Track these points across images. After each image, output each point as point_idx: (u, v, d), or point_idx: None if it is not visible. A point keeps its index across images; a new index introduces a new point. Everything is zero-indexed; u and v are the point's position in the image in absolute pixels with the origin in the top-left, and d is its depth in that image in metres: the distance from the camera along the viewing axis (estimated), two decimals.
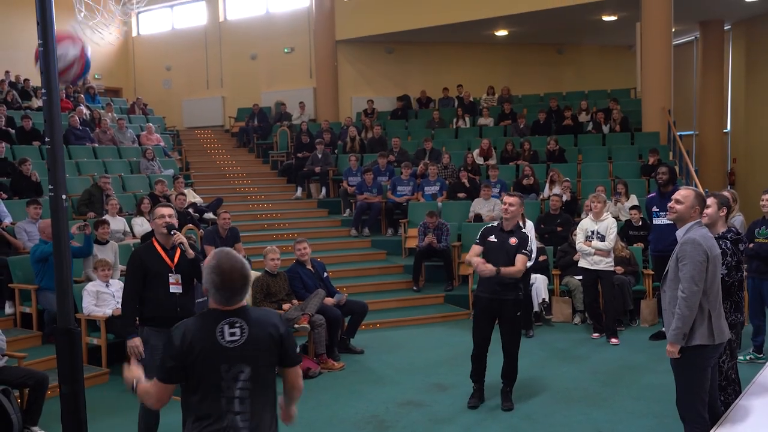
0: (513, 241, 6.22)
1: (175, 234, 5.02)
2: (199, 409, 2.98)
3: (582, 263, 8.62)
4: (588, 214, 8.88)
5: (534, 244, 6.38)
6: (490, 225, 6.49)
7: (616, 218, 9.97)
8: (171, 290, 4.97)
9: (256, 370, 3.03)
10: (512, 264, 6.11)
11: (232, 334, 2.97)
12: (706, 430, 4.42)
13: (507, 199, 6.34)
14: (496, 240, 6.27)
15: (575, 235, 9.41)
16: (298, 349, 3.43)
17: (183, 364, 2.93)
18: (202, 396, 2.97)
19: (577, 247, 8.68)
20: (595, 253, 8.49)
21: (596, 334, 8.70)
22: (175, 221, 5.09)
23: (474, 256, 6.23)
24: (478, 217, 11.42)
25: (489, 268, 6.01)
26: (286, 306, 7.68)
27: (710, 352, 4.47)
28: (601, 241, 8.48)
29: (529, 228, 8.30)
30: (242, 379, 2.99)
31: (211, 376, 2.94)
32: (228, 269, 2.98)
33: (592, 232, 8.57)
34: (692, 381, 4.48)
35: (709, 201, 5.16)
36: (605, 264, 8.50)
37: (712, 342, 4.44)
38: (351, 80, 19.10)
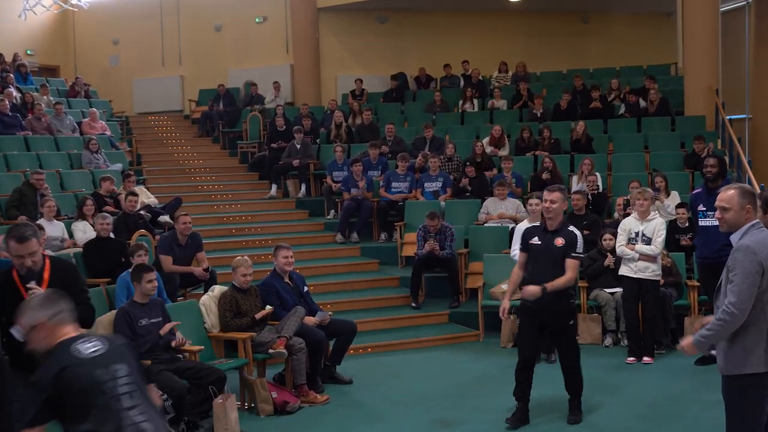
0: (559, 242, 6.49)
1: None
2: (95, 427, 3.30)
3: (623, 270, 8.62)
4: (631, 213, 8.92)
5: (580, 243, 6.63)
6: (531, 226, 6.85)
7: None
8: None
9: (131, 368, 3.47)
10: (560, 269, 6.41)
11: (89, 348, 3.41)
12: None
13: (548, 195, 6.59)
14: (540, 242, 6.55)
15: (605, 239, 9.42)
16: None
17: (53, 402, 3.32)
18: (92, 412, 3.31)
19: (618, 250, 8.66)
20: (639, 259, 8.51)
21: (632, 358, 8.69)
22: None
23: (516, 270, 6.74)
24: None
25: (531, 291, 6.28)
26: (260, 315, 7.65)
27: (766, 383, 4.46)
28: (647, 245, 8.49)
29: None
30: (122, 376, 3.41)
31: (91, 387, 3.32)
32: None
33: (636, 234, 8.57)
34: (746, 414, 4.46)
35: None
36: (651, 272, 8.53)
37: (766, 369, 4.42)
38: (336, 56, 19.08)
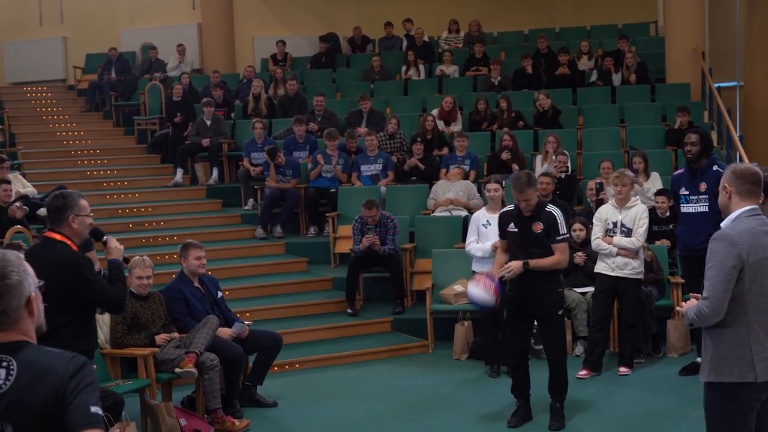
0: (537, 227, 6.90)
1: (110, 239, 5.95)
2: None
3: (599, 267, 8.75)
4: (606, 200, 9.09)
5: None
6: (505, 211, 7.27)
7: None
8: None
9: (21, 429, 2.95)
10: (541, 257, 6.92)
11: None
12: None
13: (520, 196, 6.98)
14: (517, 229, 7.00)
15: (575, 230, 9.56)
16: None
17: None
18: None
19: (593, 244, 8.80)
20: (618, 254, 8.66)
21: (584, 372, 8.73)
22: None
23: (500, 254, 7.35)
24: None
25: (513, 266, 6.84)
26: (161, 339, 7.62)
27: (750, 393, 4.55)
28: (627, 236, 8.64)
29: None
30: None
31: None
32: None
33: (614, 224, 8.72)
34: (725, 429, 4.61)
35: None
36: (631, 270, 8.67)
37: (753, 379, 4.55)
38: (253, 13, 19.00)
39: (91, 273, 5.86)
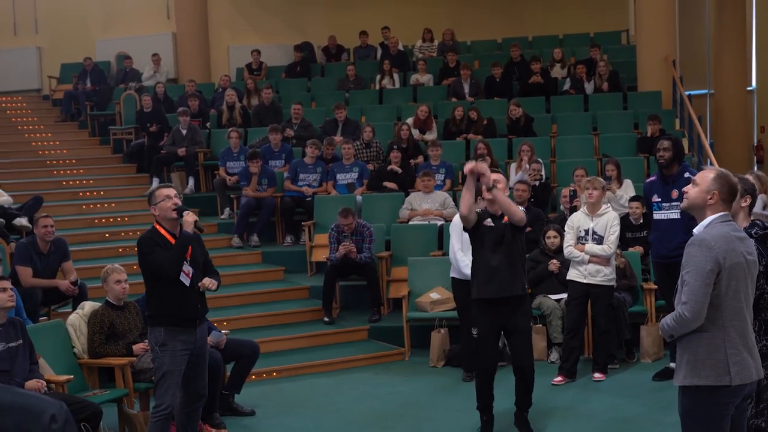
0: (506, 219, 7.09)
1: (187, 214, 6.31)
2: None
3: (571, 274, 8.77)
4: (579, 207, 9.16)
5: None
6: (481, 210, 7.27)
7: None
8: (186, 283, 6.40)
9: None
10: (511, 253, 7.11)
11: None
12: None
13: (495, 179, 7.05)
14: (493, 224, 7.16)
15: (549, 237, 9.61)
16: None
17: None
18: None
19: (565, 251, 8.84)
20: (590, 261, 8.70)
21: (560, 378, 8.81)
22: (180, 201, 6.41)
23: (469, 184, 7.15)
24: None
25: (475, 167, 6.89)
26: (139, 348, 7.60)
27: (726, 396, 4.59)
28: (599, 243, 8.69)
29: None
30: None
31: None
32: None
33: (586, 232, 8.77)
34: None
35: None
36: (603, 277, 8.70)
37: (728, 383, 4.60)
38: (227, 22, 19.01)
39: (147, 247, 6.38)
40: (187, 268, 6.44)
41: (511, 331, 7.27)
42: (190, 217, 6.36)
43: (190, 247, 6.46)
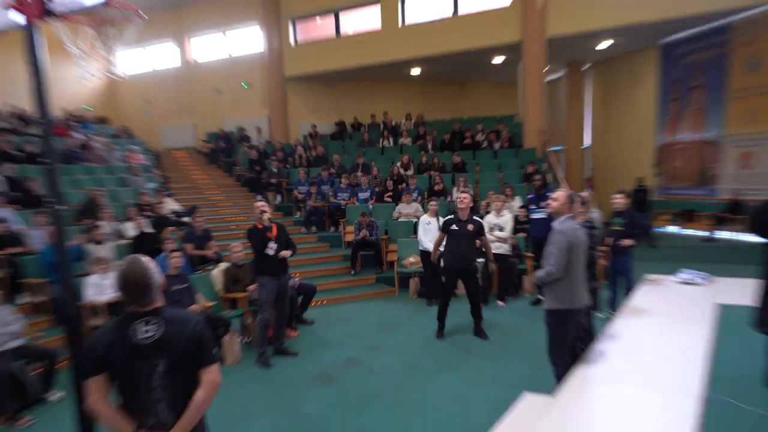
0: (470, 227, 6.83)
1: (264, 213, 6.50)
2: (126, 403, 2.77)
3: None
4: (491, 211, 9.19)
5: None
6: (450, 217, 7.00)
7: None
8: (270, 253, 6.41)
9: (172, 363, 2.75)
10: (473, 245, 6.84)
11: (146, 332, 2.74)
12: (567, 369, 4.67)
13: (462, 196, 6.95)
14: (458, 228, 6.84)
15: None
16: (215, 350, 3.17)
17: (102, 363, 2.72)
18: (125, 391, 2.76)
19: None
20: (496, 240, 8.79)
21: (501, 302, 8.87)
22: (267, 208, 6.56)
23: (438, 241, 7.07)
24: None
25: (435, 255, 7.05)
26: (251, 287, 7.67)
27: (572, 314, 4.73)
28: (501, 231, 8.78)
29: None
30: (159, 371, 2.74)
31: (130, 371, 2.72)
32: (128, 276, 2.77)
33: (494, 225, 8.88)
34: (559, 335, 4.72)
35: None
36: (504, 249, 8.83)
37: (572, 306, 4.73)
38: (298, 109, 19.04)
39: (250, 235, 6.47)
40: (272, 244, 6.42)
41: (466, 281, 7.12)
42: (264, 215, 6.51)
43: (275, 231, 6.47)
